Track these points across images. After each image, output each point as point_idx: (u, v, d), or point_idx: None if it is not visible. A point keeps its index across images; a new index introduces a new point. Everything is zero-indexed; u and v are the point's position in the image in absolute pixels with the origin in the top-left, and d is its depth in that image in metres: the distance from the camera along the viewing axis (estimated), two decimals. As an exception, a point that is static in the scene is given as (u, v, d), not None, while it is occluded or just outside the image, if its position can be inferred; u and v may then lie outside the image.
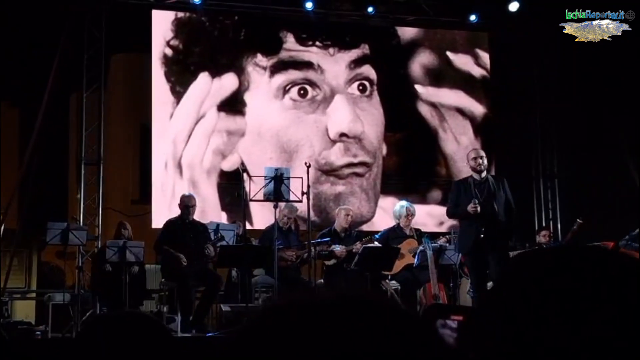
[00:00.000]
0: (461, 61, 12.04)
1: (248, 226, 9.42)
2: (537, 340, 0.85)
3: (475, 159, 7.88)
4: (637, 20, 9.48)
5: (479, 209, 7.55)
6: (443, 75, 11.98)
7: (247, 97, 11.16)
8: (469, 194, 7.72)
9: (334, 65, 11.47)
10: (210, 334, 7.91)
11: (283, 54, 11.36)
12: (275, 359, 0.78)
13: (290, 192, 8.43)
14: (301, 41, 11.46)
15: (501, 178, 8.08)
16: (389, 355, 0.77)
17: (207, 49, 11.16)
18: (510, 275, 0.95)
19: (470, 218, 7.68)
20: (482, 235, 7.55)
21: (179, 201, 9.02)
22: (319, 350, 0.77)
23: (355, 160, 11.38)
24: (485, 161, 7.87)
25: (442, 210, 11.56)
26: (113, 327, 1.49)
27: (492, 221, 7.59)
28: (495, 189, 7.75)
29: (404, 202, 9.52)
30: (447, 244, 9.09)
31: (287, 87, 11.28)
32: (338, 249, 8.90)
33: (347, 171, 11.34)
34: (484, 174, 7.86)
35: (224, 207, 10.81)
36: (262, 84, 11.22)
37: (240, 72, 11.18)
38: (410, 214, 9.27)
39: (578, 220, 9.89)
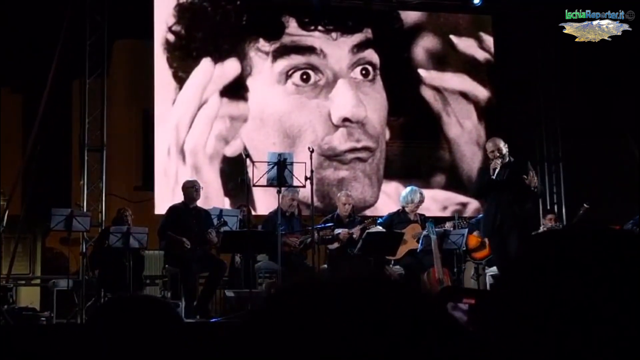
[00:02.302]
0: (465, 45, 12.00)
1: (251, 212, 9.42)
2: (548, 325, 0.84)
3: (492, 152, 7.97)
4: (637, 20, 9.49)
5: (499, 163, 7.70)
6: (446, 59, 11.94)
7: (250, 82, 11.14)
8: (488, 176, 7.91)
9: (336, 50, 11.44)
10: (214, 320, 7.93)
11: (285, 39, 11.33)
12: (284, 342, 0.77)
13: (294, 177, 8.42)
14: (303, 26, 11.42)
15: (524, 161, 8.09)
16: (400, 336, 0.76)
17: (209, 35, 11.13)
18: (522, 258, 0.94)
19: (490, 200, 7.88)
20: (497, 222, 7.68)
21: (182, 187, 9.03)
22: (329, 332, 0.76)
23: (359, 145, 11.36)
24: (504, 150, 7.87)
25: (446, 194, 11.61)
26: (124, 311, 1.49)
27: (509, 206, 7.67)
28: (514, 173, 7.78)
29: (414, 187, 9.45)
30: (452, 229, 9.09)
31: (290, 72, 11.25)
32: (341, 232, 8.91)
33: (350, 156, 11.33)
34: (506, 159, 7.88)
35: (227, 193, 10.82)
36: (264, 69, 11.20)
37: (242, 57, 11.16)
38: (422, 200, 9.26)
39: (584, 205, 9.86)
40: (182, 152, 10.78)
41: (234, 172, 10.37)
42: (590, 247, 0.87)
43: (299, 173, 8.40)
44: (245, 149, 10.37)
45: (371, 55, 11.58)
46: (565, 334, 0.82)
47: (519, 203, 7.75)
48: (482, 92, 11.97)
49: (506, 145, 7.93)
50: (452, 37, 11.98)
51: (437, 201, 11.40)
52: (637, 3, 9.63)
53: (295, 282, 0.84)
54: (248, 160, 8.85)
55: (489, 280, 9.11)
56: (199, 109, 10.90)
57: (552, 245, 0.90)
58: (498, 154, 7.83)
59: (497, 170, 7.78)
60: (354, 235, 8.81)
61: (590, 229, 0.91)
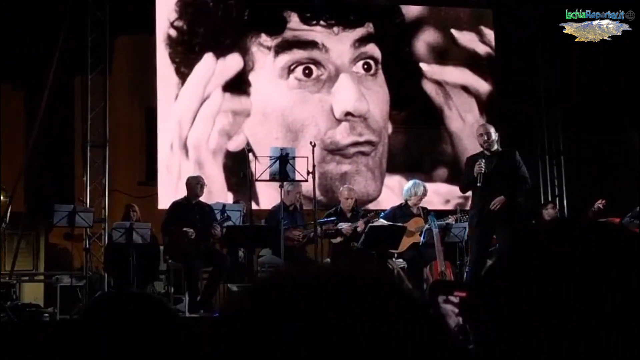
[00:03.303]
0: (466, 39, 11.98)
1: (254, 206, 9.42)
2: (541, 321, 0.83)
3: (481, 135, 7.83)
4: (637, 20, 9.47)
5: (483, 167, 7.52)
6: (448, 53, 11.92)
7: (252, 77, 11.14)
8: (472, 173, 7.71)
9: (338, 44, 11.43)
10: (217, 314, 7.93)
11: (287, 34, 11.32)
12: (265, 334, 0.76)
13: (296, 172, 8.43)
14: (305, 20, 11.41)
15: (512, 152, 7.95)
16: (384, 339, 0.75)
17: (212, 30, 11.12)
18: (516, 252, 0.93)
19: (477, 191, 7.69)
20: (484, 211, 7.55)
21: (186, 182, 9.05)
22: (306, 329, 0.75)
23: (361, 139, 11.35)
24: (493, 137, 7.74)
25: (448, 188, 11.59)
26: (117, 307, 1.50)
27: (496, 196, 7.54)
28: (503, 163, 7.67)
29: (417, 181, 9.44)
30: (454, 222, 9.08)
31: (292, 67, 11.25)
32: (344, 226, 8.91)
33: (352, 150, 11.32)
34: (494, 148, 7.77)
35: (230, 188, 10.82)
36: (266, 64, 11.19)
37: (244, 52, 11.15)
38: (425, 194, 9.24)
39: (602, 201, 9.74)
40: (185, 147, 10.78)
41: (237, 167, 10.37)
42: (588, 244, 0.87)
43: (301, 167, 8.41)
44: (248, 143, 10.38)
45: (373, 49, 11.56)
46: (561, 332, 0.82)
47: (506, 197, 7.56)
48: (483, 86, 11.95)
49: (497, 134, 7.80)
50: (453, 31, 11.96)
51: (439, 194, 11.39)
52: (637, 3, 9.62)
53: (274, 277, 0.83)
54: (251, 155, 8.86)
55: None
56: (201, 104, 10.90)
57: (547, 240, 0.90)
58: (485, 139, 7.72)
59: (482, 164, 7.61)
60: (359, 229, 8.80)
61: (586, 225, 0.91)
